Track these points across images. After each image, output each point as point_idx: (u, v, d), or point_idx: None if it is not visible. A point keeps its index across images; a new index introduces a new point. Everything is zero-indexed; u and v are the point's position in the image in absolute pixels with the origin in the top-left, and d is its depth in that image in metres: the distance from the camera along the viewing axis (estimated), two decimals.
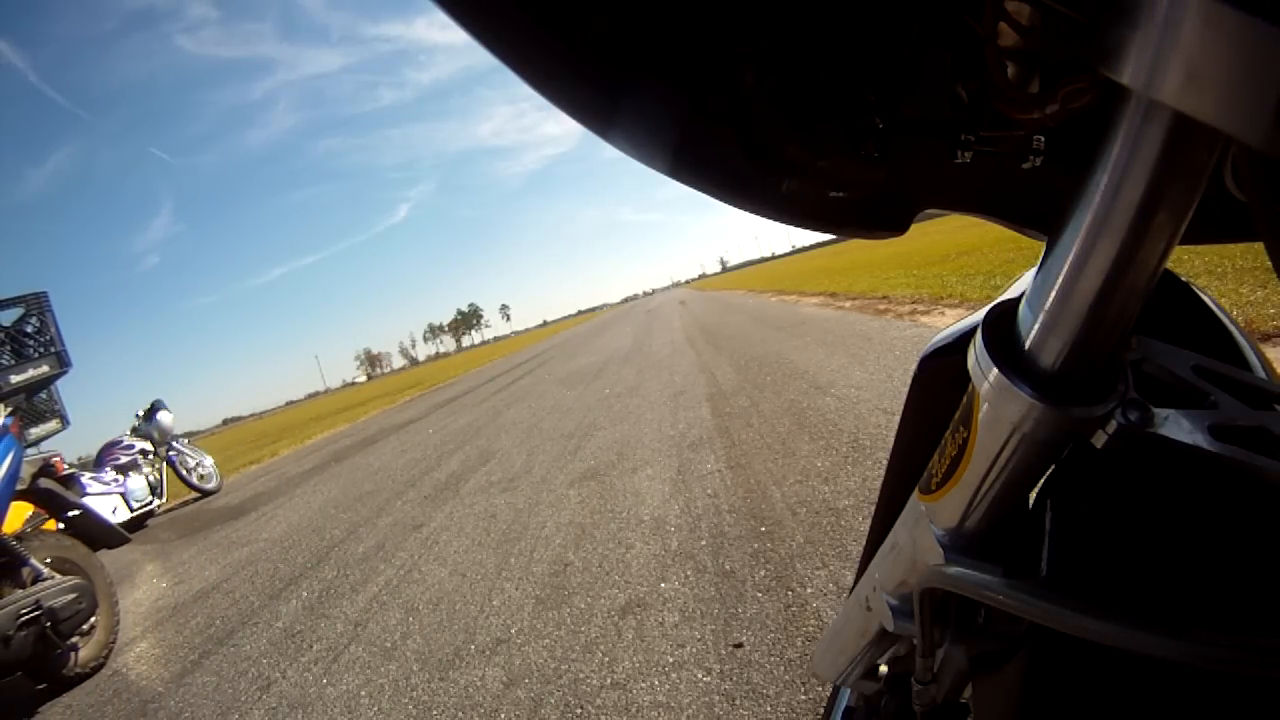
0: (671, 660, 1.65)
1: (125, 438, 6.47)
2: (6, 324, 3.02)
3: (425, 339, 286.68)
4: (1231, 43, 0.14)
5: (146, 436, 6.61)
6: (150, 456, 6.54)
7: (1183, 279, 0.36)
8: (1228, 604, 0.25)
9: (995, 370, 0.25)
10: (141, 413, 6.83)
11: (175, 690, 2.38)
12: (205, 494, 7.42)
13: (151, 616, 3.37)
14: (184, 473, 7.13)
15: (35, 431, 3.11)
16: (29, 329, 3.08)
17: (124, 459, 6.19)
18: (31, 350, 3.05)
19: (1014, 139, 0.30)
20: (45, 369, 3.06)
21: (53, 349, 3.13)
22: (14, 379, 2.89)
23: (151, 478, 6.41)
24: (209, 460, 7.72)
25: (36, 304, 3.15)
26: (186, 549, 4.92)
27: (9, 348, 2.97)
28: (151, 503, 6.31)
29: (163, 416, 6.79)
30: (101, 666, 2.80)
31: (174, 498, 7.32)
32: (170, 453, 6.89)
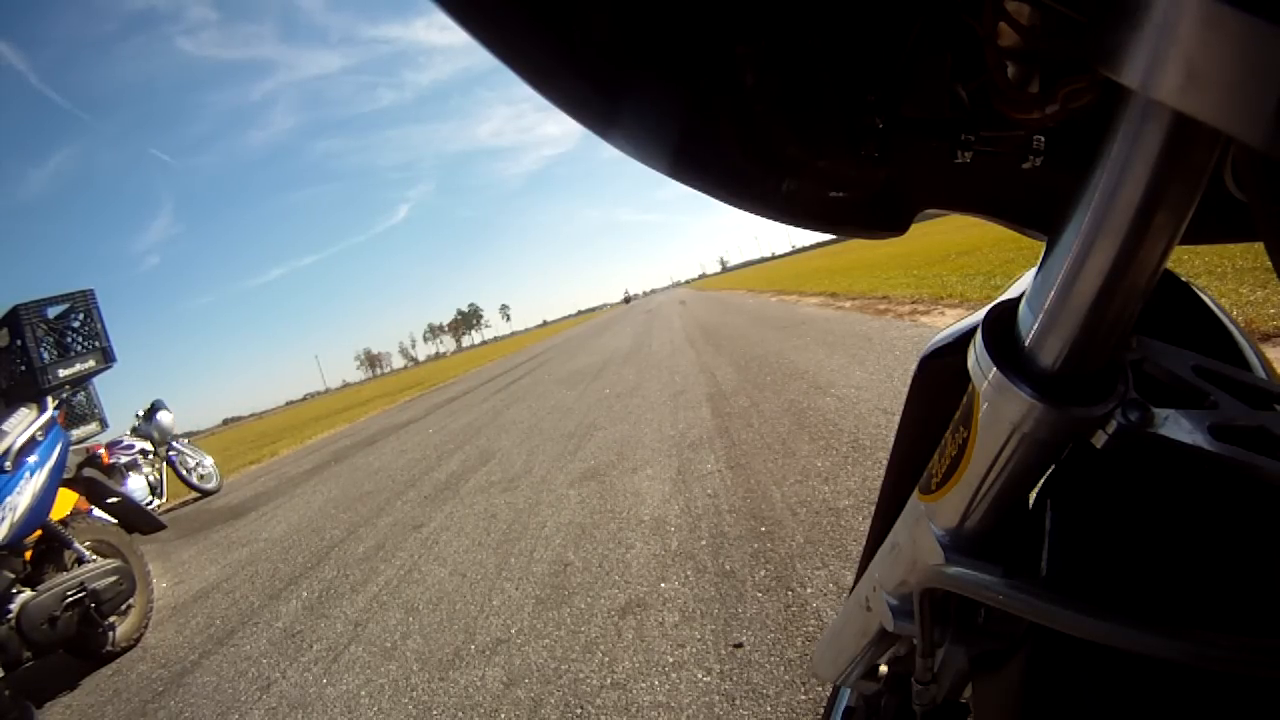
0: (671, 660, 1.65)
1: (125, 438, 6.46)
2: (52, 319, 3.09)
3: (425, 339, 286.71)
4: (1231, 43, 0.14)
5: (146, 436, 6.60)
6: (150, 456, 6.53)
7: (1183, 279, 0.36)
8: (1228, 604, 0.25)
9: (995, 370, 0.25)
10: (141, 413, 6.82)
11: (175, 690, 2.38)
12: (205, 494, 7.41)
13: (152, 615, 3.37)
14: (184, 473, 7.12)
15: (76, 433, 3.18)
16: (75, 324, 3.17)
17: (124, 459, 6.18)
18: (77, 345, 3.13)
19: (1014, 139, 0.30)
20: (91, 363, 3.16)
21: (98, 344, 3.21)
22: (61, 372, 2.99)
23: (151, 478, 6.40)
24: (209, 460, 7.72)
25: (83, 300, 3.23)
26: (187, 549, 4.92)
27: (55, 341, 3.05)
28: (151, 503, 6.30)
29: (163, 416, 6.78)
30: (136, 644, 2.97)
31: (174, 497, 7.31)
32: (170, 453, 6.88)
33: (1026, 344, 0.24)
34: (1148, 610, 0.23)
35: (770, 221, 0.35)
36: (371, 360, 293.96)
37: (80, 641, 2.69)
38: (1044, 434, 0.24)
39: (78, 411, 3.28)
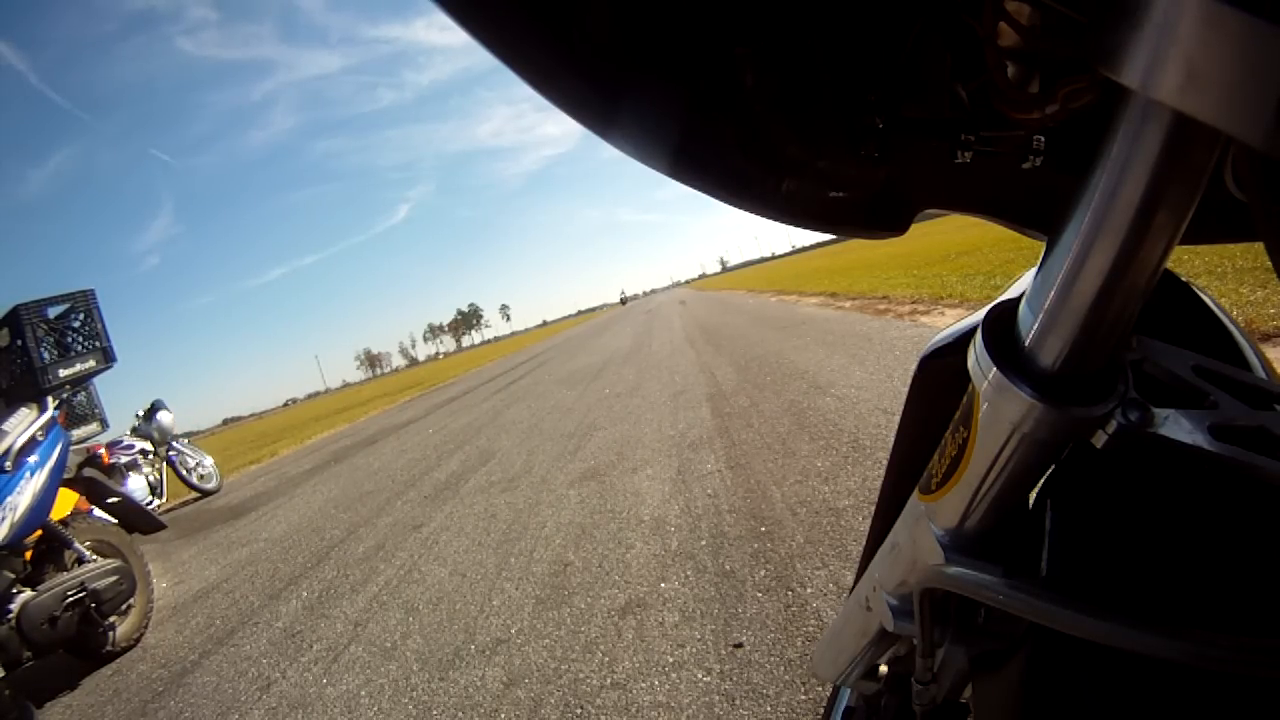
0: (671, 660, 1.65)
1: (125, 438, 6.46)
2: (52, 319, 3.10)
3: (425, 339, 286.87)
4: (1231, 43, 0.14)
5: (146, 436, 6.60)
6: (150, 456, 6.53)
7: (1183, 279, 0.36)
8: (1228, 604, 0.25)
9: (995, 370, 0.25)
10: (141, 413, 6.82)
11: (175, 690, 2.38)
12: (205, 494, 7.41)
13: (152, 615, 3.37)
14: (184, 473, 7.12)
15: (77, 433, 3.19)
16: (75, 324, 3.18)
17: (124, 459, 6.18)
18: (78, 345, 3.15)
19: (1014, 139, 0.30)
20: (91, 363, 3.17)
21: (98, 344, 3.22)
22: (62, 372, 3.00)
23: (151, 478, 6.40)
24: (209, 460, 7.72)
25: (83, 300, 3.24)
26: (187, 549, 4.92)
27: (55, 341, 3.07)
28: (151, 503, 6.30)
29: (163, 416, 6.78)
30: (136, 644, 2.98)
31: (174, 497, 7.32)
32: (170, 453, 6.88)
33: (1026, 344, 0.24)
34: (1148, 610, 0.23)
35: (770, 221, 0.35)
36: (371, 360, 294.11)
37: (80, 641, 2.69)
38: (1044, 434, 0.24)
39: (78, 411, 3.29)
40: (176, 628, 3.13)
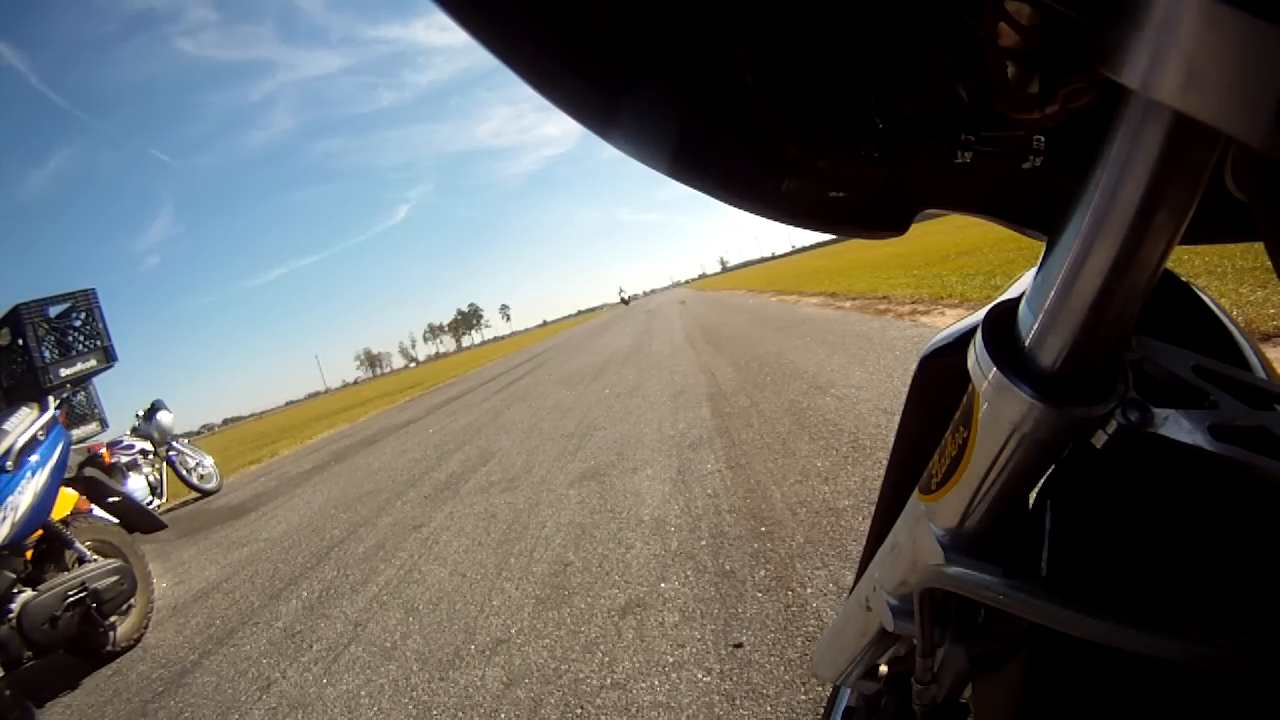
0: (671, 660, 1.65)
1: (125, 438, 6.46)
2: (53, 318, 3.10)
3: (425, 339, 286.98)
4: (1231, 43, 0.14)
5: (146, 436, 6.60)
6: (150, 456, 6.53)
7: (1183, 279, 0.36)
8: (1228, 604, 0.25)
9: (995, 370, 0.25)
10: (141, 413, 6.82)
11: (175, 690, 2.38)
12: (205, 494, 7.41)
13: (152, 615, 3.37)
14: (184, 473, 7.12)
15: (77, 433, 3.19)
16: (76, 323, 3.18)
17: (124, 459, 6.18)
18: (79, 344, 3.15)
19: (1014, 139, 0.30)
20: (93, 363, 3.18)
21: (99, 343, 3.22)
22: (63, 372, 3.01)
23: (151, 478, 6.40)
24: (209, 460, 7.72)
25: (84, 300, 3.25)
26: (186, 549, 4.92)
27: (56, 341, 3.07)
28: (151, 503, 6.30)
29: (163, 416, 6.78)
30: (136, 644, 2.98)
31: (174, 497, 7.31)
32: (170, 453, 6.89)
33: (1026, 344, 0.24)
34: (1148, 610, 0.23)
35: (770, 221, 0.35)
36: (371, 360, 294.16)
37: (81, 641, 2.70)
38: (1044, 434, 0.24)
39: (78, 411, 3.29)
40: (176, 628, 3.13)
